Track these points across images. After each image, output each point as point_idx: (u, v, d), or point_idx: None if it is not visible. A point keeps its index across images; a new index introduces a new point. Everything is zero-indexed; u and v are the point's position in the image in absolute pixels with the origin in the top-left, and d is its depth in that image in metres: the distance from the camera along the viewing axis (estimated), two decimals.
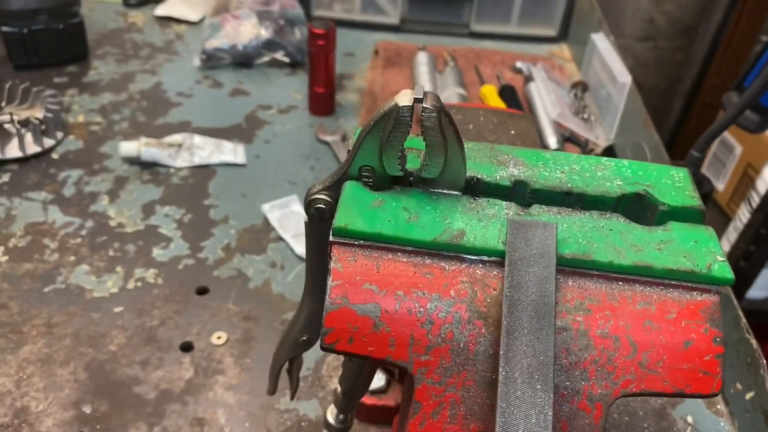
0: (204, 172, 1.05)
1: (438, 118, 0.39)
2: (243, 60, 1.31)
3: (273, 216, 0.97)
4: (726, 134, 1.69)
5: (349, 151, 0.44)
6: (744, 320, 0.74)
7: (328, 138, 1.14)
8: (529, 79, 1.26)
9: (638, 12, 1.99)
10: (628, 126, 1.14)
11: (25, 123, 1.05)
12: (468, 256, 0.40)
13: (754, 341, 0.73)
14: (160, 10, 1.46)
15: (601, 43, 1.25)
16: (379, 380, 0.70)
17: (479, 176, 0.44)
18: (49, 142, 1.07)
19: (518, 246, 0.39)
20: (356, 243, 0.40)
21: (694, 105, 2.21)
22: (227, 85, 1.26)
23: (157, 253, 0.90)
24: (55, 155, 1.06)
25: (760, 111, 0.89)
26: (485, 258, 0.40)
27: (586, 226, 0.42)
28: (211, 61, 1.29)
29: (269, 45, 1.30)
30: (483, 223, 0.41)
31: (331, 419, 0.60)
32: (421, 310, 0.39)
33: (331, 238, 0.40)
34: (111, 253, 0.90)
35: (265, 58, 1.31)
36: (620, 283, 0.40)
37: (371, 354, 0.39)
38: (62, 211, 0.96)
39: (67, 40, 1.24)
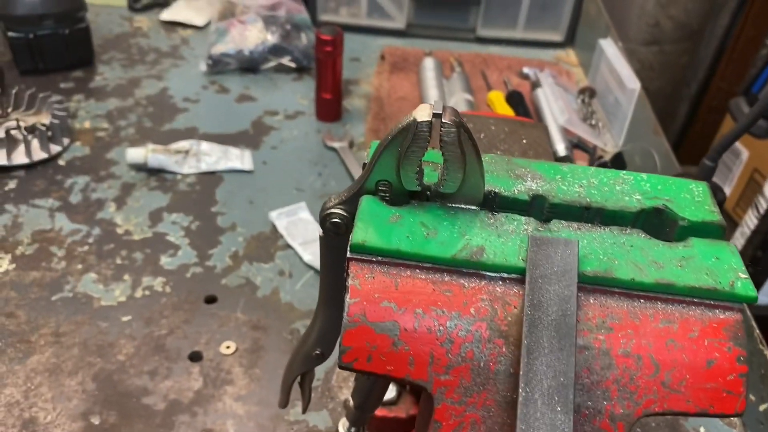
0: (211, 178, 1.05)
1: (457, 134, 0.39)
2: (249, 65, 1.30)
3: (281, 223, 0.96)
4: None
5: (364, 164, 0.43)
6: (758, 331, 0.74)
7: (336, 144, 1.13)
8: (536, 84, 1.25)
9: (643, 16, 1.98)
10: (636, 132, 1.14)
11: (31, 129, 1.05)
12: (488, 273, 0.39)
13: (767, 352, 0.73)
14: (166, 15, 1.46)
15: (609, 48, 1.24)
16: (389, 392, 0.70)
17: (497, 190, 0.44)
18: (55, 148, 1.06)
19: (539, 263, 0.38)
20: (374, 259, 0.40)
21: (699, 109, 2.20)
22: (234, 90, 1.26)
23: (164, 261, 0.90)
24: (61, 162, 1.06)
25: None
26: (505, 275, 0.39)
27: (606, 242, 0.41)
28: (218, 66, 1.29)
29: (275, 50, 1.30)
30: (502, 239, 0.40)
31: None
32: (441, 328, 0.38)
33: (348, 255, 0.40)
34: (118, 261, 0.89)
35: (272, 63, 1.31)
36: (642, 300, 0.39)
37: (390, 373, 0.38)
38: (69, 219, 0.95)
39: (73, 45, 1.24)
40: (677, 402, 0.38)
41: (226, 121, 1.18)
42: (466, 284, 0.39)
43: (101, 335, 0.80)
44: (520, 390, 0.35)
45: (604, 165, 1.06)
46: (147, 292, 0.86)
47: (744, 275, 0.40)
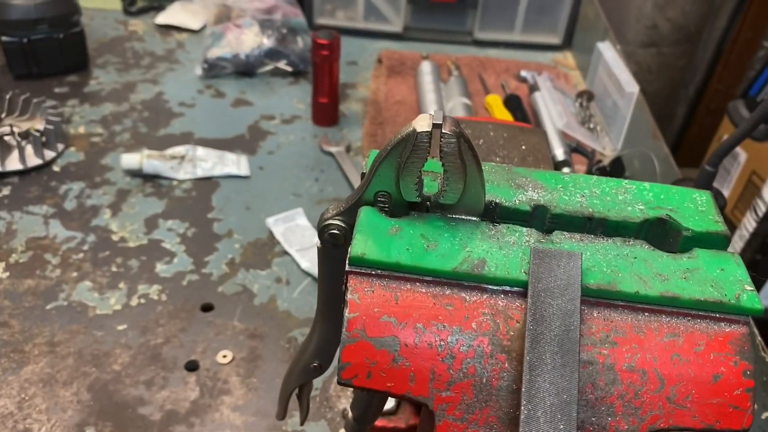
0: (207, 184, 1.04)
1: (457, 144, 0.38)
2: (245, 69, 1.29)
3: (278, 230, 0.95)
4: None
5: (363, 174, 0.43)
6: (759, 338, 0.73)
7: (333, 149, 1.12)
8: (534, 88, 1.25)
9: (641, 18, 1.98)
10: (635, 136, 1.13)
11: (25, 135, 1.04)
12: (489, 287, 0.38)
13: None
14: (161, 18, 1.45)
15: (607, 51, 1.23)
16: (389, 402, 0.69)
17: (497, 200, 0.43)
18: (49, 154, 1.05)
19: (542, 276, 0.38)
20: (373, 272, 0.39)
21: (697, 111, 2.20)
22: (229, 94, 1.25)
23: (160, 268, 0.89)
24: (56, 167, 1.05)
25: None
26: (507, 288, 0.38)
27: (609, 254, 0.40)
28: (213, 70, 1.28)
29: (271, 54, 1.29)
30: (504, 252, 0.40)
31: None
32: (442, 343, 0.37)
33: (347, 268, 0.39)
34: (114, 268, 0.89)
35: (268, 67, 1.30)
36: (646, 314, 0.38)
37: (390, 390, 0.37)
38: (64, 225, 0.94)
39: (67, 49, 1.22)
40: (683, 417, 0.37)
41: (222, 125, 1.17)
42: (468, 298, 0.38)
43: (96, 344, 0.79)
44: (522, 407, 0.34)
45: (602, 169, 1.06)
46: (142, 300, 0.85)
47: (750, 287, 0.39)
